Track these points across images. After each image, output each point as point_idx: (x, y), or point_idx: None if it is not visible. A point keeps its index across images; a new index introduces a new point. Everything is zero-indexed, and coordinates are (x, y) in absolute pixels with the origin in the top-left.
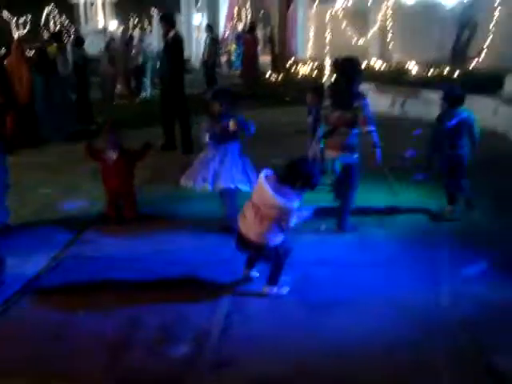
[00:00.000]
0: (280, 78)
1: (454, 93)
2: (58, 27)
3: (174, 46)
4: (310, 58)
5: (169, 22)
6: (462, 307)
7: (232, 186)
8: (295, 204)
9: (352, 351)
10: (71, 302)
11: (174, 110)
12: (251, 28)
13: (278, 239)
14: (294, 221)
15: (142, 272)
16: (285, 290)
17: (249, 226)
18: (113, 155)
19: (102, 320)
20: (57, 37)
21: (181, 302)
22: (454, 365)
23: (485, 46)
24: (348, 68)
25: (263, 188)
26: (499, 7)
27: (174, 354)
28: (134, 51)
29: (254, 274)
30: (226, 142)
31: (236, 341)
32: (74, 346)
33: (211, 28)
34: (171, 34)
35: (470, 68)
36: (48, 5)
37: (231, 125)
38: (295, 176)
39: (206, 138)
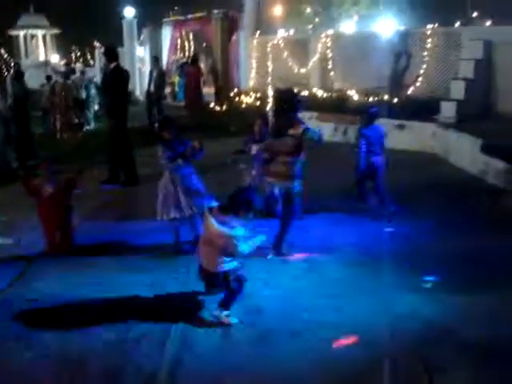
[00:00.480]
0: (224, 108)
1: (370, 111)
2: None
3: (113, 77)
4: (252, 88)
5: (110, 55)
6: (410, 329)
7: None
8: (238, 231)
9: (304, 380)
10: (9, 346)
11: (117, 143)
12: (194, 60)
13: (227, 265)
14: (244, 247)
15: (85, 312)
16: (233, 321)
17: (203, 256)
18: (49, 189)
19: (42, 364)
20: None
21: (127, 342)
22: None
23: (420, 74)
24: (284, 99)
25: (207, 220)
26: (429, 38)
27: None
28: (76, 84)
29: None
30: (185, 165)
31: (187, 380)
32: None
33: (157, 60)
34: (112, 66)
35: (408, 95)
36: None
37: (196, 144)
38: (237, 205)
39: (174, 163)
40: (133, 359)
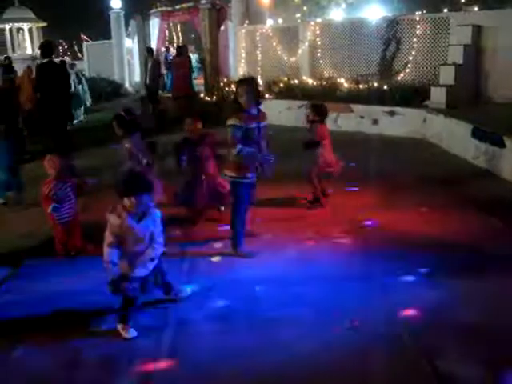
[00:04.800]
0: (214, 98)
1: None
2: None
3: (40, 73)
4: None
5: (43, 50)
6: (406, 313)
7: None
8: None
9: (304, 367)
10: (3, 342)
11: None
12: (180, 51)
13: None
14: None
15: (82, 305)
16: (130, 334)
17: None
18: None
19: (39, 358)
20: None
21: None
22: (402, 370)
23: (409, 61)
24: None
25: None
26: (418, 25)
27: None
28: None
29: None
30: None
31: (186, 369)
32: None
33: (152, 51)
34: (43, 61)
35: (398, 81)
36: None
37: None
38: (119, 189)
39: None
40: (129, 350)
